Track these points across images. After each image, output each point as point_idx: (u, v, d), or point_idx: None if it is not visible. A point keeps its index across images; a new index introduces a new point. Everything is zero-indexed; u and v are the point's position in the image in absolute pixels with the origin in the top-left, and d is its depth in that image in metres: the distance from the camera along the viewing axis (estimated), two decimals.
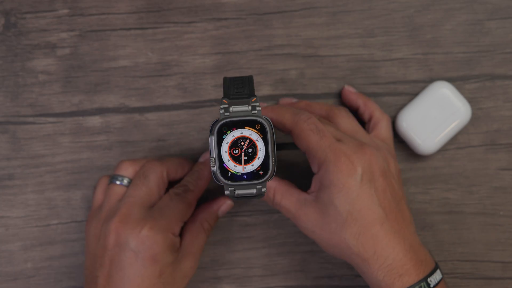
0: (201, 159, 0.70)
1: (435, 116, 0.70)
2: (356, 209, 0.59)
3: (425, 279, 0.59)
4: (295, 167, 0.72)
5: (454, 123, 0.70)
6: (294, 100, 0.71)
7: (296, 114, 0.62)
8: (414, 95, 0.72)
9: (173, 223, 0.64)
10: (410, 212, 0.63)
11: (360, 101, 0.70)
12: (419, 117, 0.70)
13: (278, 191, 0.64)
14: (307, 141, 0.61)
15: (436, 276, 0.60)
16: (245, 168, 0.56)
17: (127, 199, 0.65)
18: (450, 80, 0.72)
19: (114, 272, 0.62)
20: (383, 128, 0.68)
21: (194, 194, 0.67)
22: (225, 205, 0.69)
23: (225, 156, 0.56)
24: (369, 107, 0.69)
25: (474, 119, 0.72)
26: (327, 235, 0.61)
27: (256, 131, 0.56)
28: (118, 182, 0.67)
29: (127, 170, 0.68)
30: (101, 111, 0.73)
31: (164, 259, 0.63)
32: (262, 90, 0.73)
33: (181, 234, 0.67)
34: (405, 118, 0.71)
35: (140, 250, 0.62)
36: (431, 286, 0.59)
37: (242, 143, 0.56)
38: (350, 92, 0.71)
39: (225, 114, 0.56)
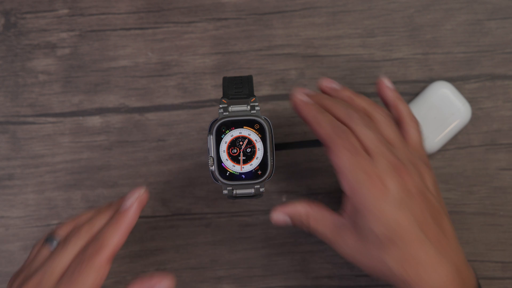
0: (126, 202, 0.58)
1: (435, 116, 0.70)
2: (394, 233, 0.56)
3: None
4: (295, 167, 0.72)
5: (454, 123, 0.70)
6: (336, 85, 0.64)
7: (334, 127, 0.58)
8: (414, 95, 0.72)
9: None
10: (451, 225, 0.60)
11: (391, 99, 0.64)
12: (419, 117, 0.70)
13: (312, 217, 0.61)
14: (340, 159, 0.57)
15: None
16: (243, 167, 0.56)
17: (44, 268, 0.56)
18: (450, 80, 0.72)
19: None
20: (415, 135, 0.64)
21: (105, 255, 0.55)
22: (161, 285, 0.57)
23: (224, 156, 0.56)
24: (399, 109, 0.64)
25: (474, 119, 0.72)
26: (368, 261, 0.58)
27: (255, 131, 0.56)
28: (49, 246, 0.59)
29: (61, 232, 0.60)
30: (101, 111, 0.73)
31: None
32: (262, 90, 0.73)
33: None
34: None
35: None
36: None
37: (241, 143, 0.56)
38: (385, 87, 0.65)
39: (224, 113, 0.57)
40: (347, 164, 0.57)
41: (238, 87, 0.59)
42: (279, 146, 0.66)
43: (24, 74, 0.73)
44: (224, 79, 0.60)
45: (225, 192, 0.57)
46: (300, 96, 0.60)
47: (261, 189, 0.57)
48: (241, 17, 0.73)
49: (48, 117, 0.73)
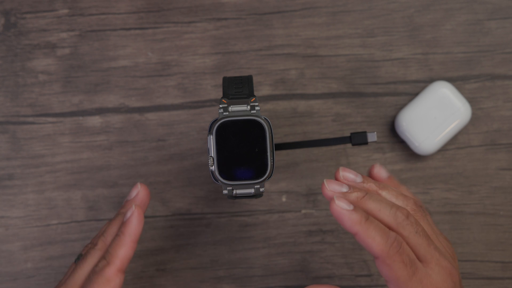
0: (126, 213, 0.60)
1: (435, 116, 0.70)
2: None
3: None
4: (295, 167, 0.72)
5: (454, 123, 0.70)
6: (356, 177, 0.57)
7: (387, 239, 0.52)
8: (414, 95, 0.72)
9: None
10: None
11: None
12: (419, 117, 0.70)
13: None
14: (397, 274, 0.52)
15: None
16: (243, 168, 0.56)
17: (66, 283, 0.59)
18: (450, 80, 0.72)
19: None
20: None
21: (114, 268, 0.57)
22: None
23: (223, 155, 0.56)
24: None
25: (474, 119, 0.72)
26: None
27: (254, 131, 0.56)
28: (76, 262, 0.62)
29: (86, 248, 0.62)
30: (101, 111, 0.73)
31: None
32: (262, 90, 0.73)
33: None
34: (405, 118, 0.71)
35: None
36: None
37: (241, 142, 0.56)
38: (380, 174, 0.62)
39: (224, 113, 0.57)
40: (404, 279, 0.52)
41: (238, 87, 0.59)
42: (279, 146, 0.66)
43: (24, 74, 0.73)
44: (224, 79, 0.60)
45: (225, 192, 0.57)
46: (342, 204, 0.53)
47: (261, 189, 0.57)
48: (241, 17, 0.73)
49: (48, 117, 0.73)
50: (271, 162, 0.56)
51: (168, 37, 0.73)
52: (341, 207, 0.53)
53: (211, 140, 0.56)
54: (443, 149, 0.72)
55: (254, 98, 0.57)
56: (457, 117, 0.70)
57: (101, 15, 0.73)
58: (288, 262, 0.72)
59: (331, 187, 0.55)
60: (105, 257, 0.58)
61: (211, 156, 0.56)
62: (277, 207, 0.72)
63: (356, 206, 0.53)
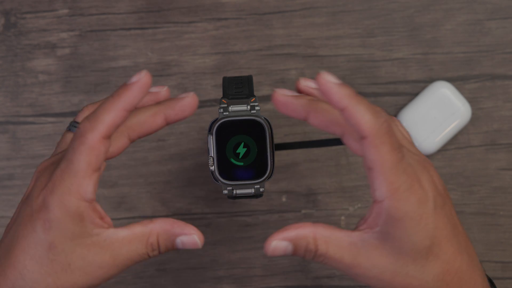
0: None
1: (435, 116, 0.70)
2: (436, 243, 0.48)
3: None
4: (295, 167, 0.72)
5: (454, 123, 0.70)
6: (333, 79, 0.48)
7: (378, 117, 0.46)
8: (414, 95, 0.72)
9: (77, 182, 0.47)
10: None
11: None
12: (419, 117, 0.70)
13: (321, 239, 0.49)
14: (384, 157, 0.46)
15: None
16: (243, 168, 0.56)
17: (56, 149, 0.54)
18: (450, 80, 0.72)
19: (13, 225, 0.50)
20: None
21: (97, 134, 0.47)
22: (188, 238, 0.50)
23: (223, 155, 0.56)
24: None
25: (474, 119, 0.72)
26: (402, 280, 0.48)
27: (255, 131, 0.56)
28: (71, 130, 0.55)
29: (79, 117, 0.55)
30: None
31: (60, 229, 0.47)
32: (262, 90, 0.73)
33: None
34: (405, 118, 0.71)
35: (35, 210, 0.48)
36: None
37: (241, 143, 0.56)
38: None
39: (224, 113, 0.57)
40: (390, 164, 0.46)
41: (238, 87, 0.59)
42: (279, 146, 0.66)
43: (24, 74, 0.73)
44: (224, 79, 0.60)
45: (225, 192, 0.57)
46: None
47: (261, 189, 0.57)
48: (241, 17, 0.73)
49: (48, 117, 0.73)
50: (271, 162, 0.56)
51: (168, 37, 0.73)
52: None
53: (211, 140, 0.56)
54: (443, 149, 0.72)
55: (254, 98, 0.57)
56: (457, 117, 0.70)
57: (101, 15, 0.73)
58: (288, 262, 0.72)
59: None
60: (89, 119, 0.48)
61: (211, 156, 0.56)
62: (277, 207, 0.72)
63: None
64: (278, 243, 0.50)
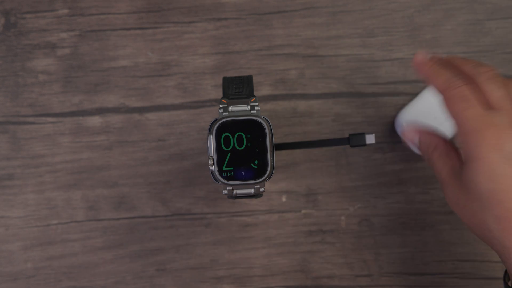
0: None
1: (435, 116, 0.70)
2: (501, 189, 0.52)
3: None
4: (295, 167, 0.72)
5: None
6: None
7: (448, 80, 0.56)
8: (414, 95, 0.72)
9: None
10: None
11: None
12: (419, 117, 0.70)
13: (439, 148, 0.58)
14: (455, 108, 0.54)
15: None
16: (243, 168, 0.56)
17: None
18: None
19: None
20: None
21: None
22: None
23: (224, 156, 0.56)
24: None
25: None
26: (468, 214, 0.55)
27: (255, 131, 0.56)
28: None
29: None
30: (101, 111, 0.73)
31: None
32: (262, 90, 0.73)
33: None
34: (405, 118, 0.71)
35: None
36: None
37: (241, 143, 0.56)
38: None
39: (224, 113, 0.57)
40: (462, 113, 0.54)
41: (238, 87, 0.59)
42: (279, 146, 0.66)
43: (24, 74, 0.73)
44: (224, 79, 0.60)
45: (225, 192, 0.57)
46: (423, 56, 0.59)
47: (261, 189, 0.57)
48: (241, 17, 0.73)
49: (48, 117, 0.73)
50: (271, 162, 0.56)
51: (168, 37, 0.73)
52: (421, 57, 0.58)
53: (211, 140, 0.56)
54: None
55: (254, 98, 0.58)
56: None
57: (101, 15, 0.73)
58: (288, 262, 0.72)
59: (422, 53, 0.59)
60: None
61: (211, 156, 0.56)
62: (277, 207, 0.72)
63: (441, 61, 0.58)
64: (410, 134, 0.60)
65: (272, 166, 0.56)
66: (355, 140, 0.63)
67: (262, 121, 0.56)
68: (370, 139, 0.65)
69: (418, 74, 0.58)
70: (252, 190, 0.57)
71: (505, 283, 0.56)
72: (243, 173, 0.57)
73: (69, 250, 0.72)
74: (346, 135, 0.71)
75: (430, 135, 0.60)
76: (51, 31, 0.73)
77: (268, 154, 0.56)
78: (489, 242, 0.55)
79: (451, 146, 0.59)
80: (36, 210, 0.72)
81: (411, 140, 0.61)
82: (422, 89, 0.72)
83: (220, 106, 0.57)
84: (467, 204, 0.55)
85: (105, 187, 0.73)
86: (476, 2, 0.73)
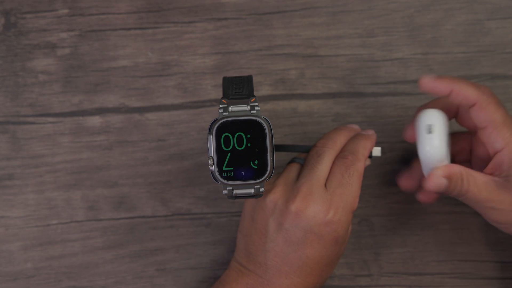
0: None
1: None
2: None
3: None
4: None
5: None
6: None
7: (479, 87, 0.59)
8: (414, 95, 0.72)
9: (352, 202, 0.60)
10: None
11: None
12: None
13: (466, 177, 0.59)
14: (493, 116, 0.59)
15: None
16: (243, 168, 0.56)
17: (305, 179, 0.61)
18: None
19: (289, 249, 0.60)
20: None
21: (362, 164, 0.62)
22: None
23: (224, 156, 0.56)
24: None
25: None
26: None
27: (254, 131, 0.56)
28: (297, 161, 0.65)
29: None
30: (101, 111, 0.73)
31: (344, 238, 0.61)
32: (262, 90, 0.73)
33: None
34: (431, 162, 0.69)
35: (323, 234, 0.59)
36: None
37: (241, 143, 0.56)
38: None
39: (224, 113, 0.57)
40: (500, 120, 0.59)
41: (238, 87, 0.59)
42: (278, 147, 0.65)
43: (24, 74, 0.73)
44: (224, 79, 0.60)
45: (225, 192, 0.57)
46: (430, 77, 0.61)
47: (261, 189, 0.57)
48: (241, 17, 0.73)
49: (48, 117, 0.73)
50: (271, 162, 0.56)
51: (168, 37, 0.73)
52: (428, 78, 0.60)
53: (211, 140, 0.56)
54: None
55: (254, 98, 0.58)
56: None
57: (101, 15, 0.73)
58: None
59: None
60: (355, 153, 0.62)
61: (211, 156, 0.56)
62: None
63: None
64: (437, 180, 0.59)
65: (272, 166, 0.56)
66: None
67: (262, 121, 0.56)
68: (376, 151, 0.65)
69: (435, 91, 0.60)
70: (252, 190, 0.57)
71: None
72: (243, 173, 0.57)
73: (69, 250, 0.72)
74: None
75: (454, 168, 0.60)
76: (51, 31, 0.73)
77: (268, 154, 0.56)
78: None
79: (466, 167, 0.60)
80: (36, 210, 0.72)
81: (439, 188, 0.60)
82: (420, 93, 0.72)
83: (220, 106, 0.57)
84: None
85: (105, 187, 0.72)
86: (476, 2, 0.73)
